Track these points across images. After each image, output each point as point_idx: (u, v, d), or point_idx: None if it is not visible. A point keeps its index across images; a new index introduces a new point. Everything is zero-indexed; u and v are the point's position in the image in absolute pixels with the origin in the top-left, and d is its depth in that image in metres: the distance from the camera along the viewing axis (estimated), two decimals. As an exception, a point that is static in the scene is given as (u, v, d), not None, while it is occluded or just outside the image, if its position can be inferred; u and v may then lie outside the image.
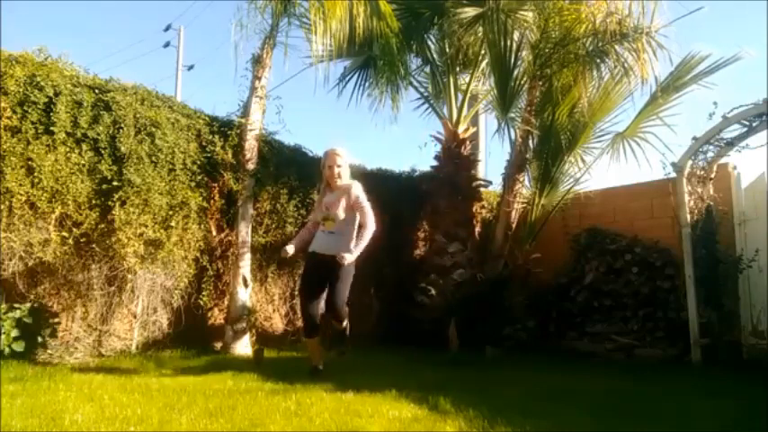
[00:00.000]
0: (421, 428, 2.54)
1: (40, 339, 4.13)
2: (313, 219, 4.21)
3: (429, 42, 6.86)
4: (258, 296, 5.62)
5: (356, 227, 3.98)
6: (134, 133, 4.72)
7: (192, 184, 5.08)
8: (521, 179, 6.36)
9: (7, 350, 3.93)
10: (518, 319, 5.94)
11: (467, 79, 6.86)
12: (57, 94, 4.35)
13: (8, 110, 4.15)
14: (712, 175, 5.36)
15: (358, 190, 3.96)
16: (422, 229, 7.08)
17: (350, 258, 3.71)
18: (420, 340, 5.64)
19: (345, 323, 3.99)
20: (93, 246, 4.52)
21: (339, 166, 3.97)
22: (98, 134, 4.53)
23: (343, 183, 3.97)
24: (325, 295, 3.91)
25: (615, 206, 6.57)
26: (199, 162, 5.15)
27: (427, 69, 7.02)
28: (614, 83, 6.04)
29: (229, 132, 5.32)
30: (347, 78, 6.78)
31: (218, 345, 5.16)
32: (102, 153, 4.55)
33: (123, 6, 46.88)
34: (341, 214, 3.91)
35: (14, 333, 3.99)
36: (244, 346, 5.06)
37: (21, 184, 4.15)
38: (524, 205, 6.40)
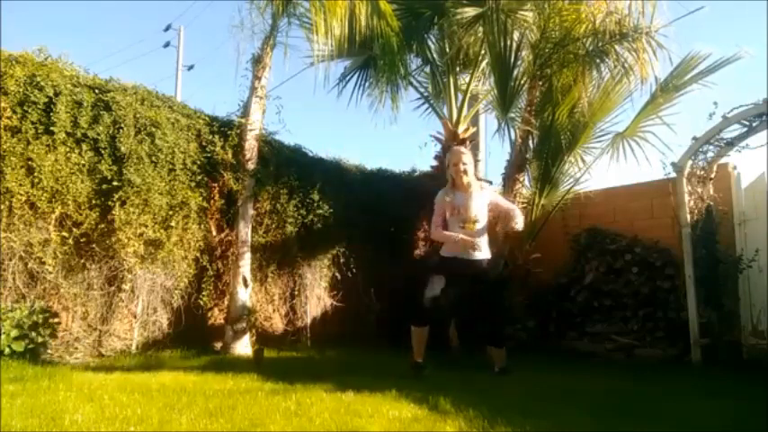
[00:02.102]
0: (421, 428, 2.53)
1: (39, 339, 4.13)
2: (439, 224, 4.04)
3: (429, 42, 6.85)
4: (258, 296, 5.62)
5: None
6: (134, 133, 4.72)
7: (192, 184, 5.09)
8: (521, 179, 6.36)
9: (7, 350, 3.93)
10: (518, 319, 5.93)
11: (467, 79, 6.85)
12: (57, 94, 4.35)
13: (8, 110, 4.16)
14: (712, 175, 5.36)
15: (495, 194, 4.13)
16: (422, 229, 7.07)
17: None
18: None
19: (502, 346, 4.08)
20: (93, 246, 4.52)
21: (465, 164, 3.97)
22: (98, 134, 4.53)
23: (473, 184, 3.99)
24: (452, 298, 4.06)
25: (615, 206, 6.56)
26: (199, 162, 5.16)
27: (427, 69, 7.01)
28: (614, 83, 6.03)
29: (229, 132, 5.33)
30: (347, 78, 6.77)
31: (218, 345, 5.16)
32: (102, 153, 4.56)
33: (123, 6, 46.89)
34: (481, 217, 3.96)
35: (14, 333, 3.99)
36: (244, 346, 5.06)
37: (21, 184, 4.16)
38: (524, 205, 6.39)
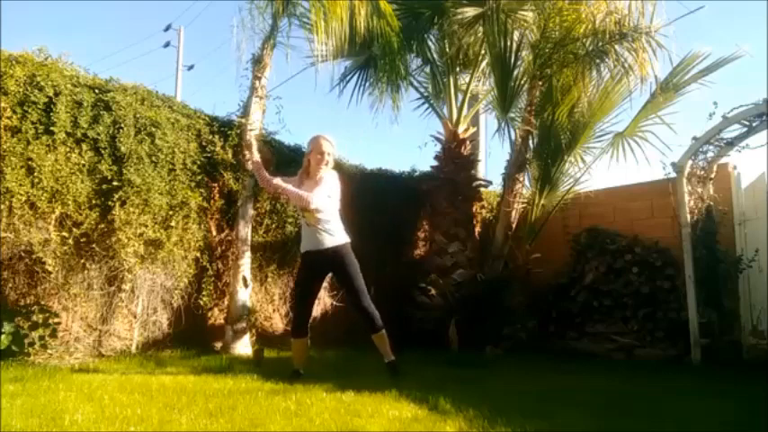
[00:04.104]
0: (421, 428, 2.53)
1: (39, 340, 4.12)
2: (281, 181, 3.91)
3: (429, 42, 6.86)
4: (258, 296, 5.62)
5: (337, 212, 3.86)
6: (134, 133, 4.72)
7: (192, 184, 5.08)
8: (521, 179, 6.36)
9: (7, 350, 3.92)
10: (518, 319, 5.94)
11: (467, 79, 6.86)
12: (57, 94, 4.34)
13: (8, 110, 4.15)
14: (712, 175, 5.37)
15: (331, 175, 3.82)
16: (422, 228, 7.08)
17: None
18: (420, 340, 5.63)
19: (382, 329, 3.92)
20: (94, 246, 4.52)
21: (329, 154, 3.82)
22: (98, 134, 4.52)
23: (325, 175, 3.81)
24: (321, 294, 3.82)
25: (615, 206, 6.57)
26: (199, 162, 5.15)
27: (427, 69, 7.02)
28: (614, 83, 6.04)
29: (229, 132, 5.32)
30: (348, 78, 6.78)
31: (218, 345, 5.16)
32: (102, 153, 4.55)
33: (123, 6, 46.92)
34: (324, 208, 3.77)
35: (14, 332, 3.97)
36: (244, 346, 5.06)
37: (21, 184, 4.15)
38: (524, 205, 6.39)
